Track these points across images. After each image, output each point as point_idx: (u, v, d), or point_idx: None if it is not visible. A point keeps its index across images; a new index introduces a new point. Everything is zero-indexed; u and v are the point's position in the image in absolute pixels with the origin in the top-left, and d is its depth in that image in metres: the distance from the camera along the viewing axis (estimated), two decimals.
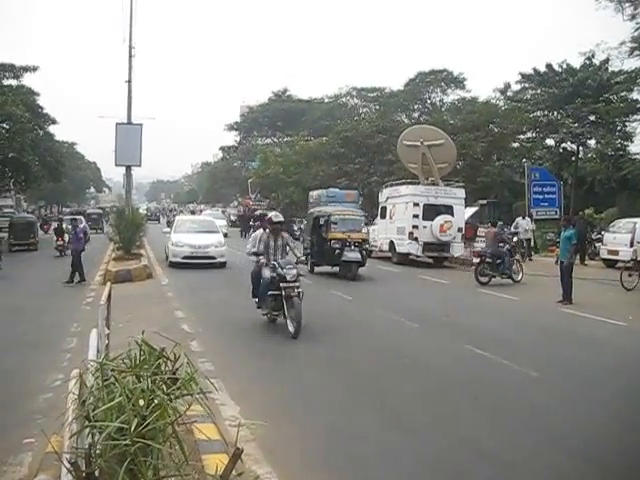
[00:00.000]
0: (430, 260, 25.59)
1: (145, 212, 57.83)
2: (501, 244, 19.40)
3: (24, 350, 9.83)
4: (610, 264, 22.65)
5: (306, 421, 6.81)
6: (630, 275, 17.75)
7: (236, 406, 6.99)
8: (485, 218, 36.14)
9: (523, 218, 27.89)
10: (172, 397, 3.35)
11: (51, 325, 12.02)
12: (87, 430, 3.30)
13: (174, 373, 3.48)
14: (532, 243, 27.90)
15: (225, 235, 35.93)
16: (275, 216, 12.33)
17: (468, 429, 6.57)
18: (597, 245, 25.40)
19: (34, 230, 33.59)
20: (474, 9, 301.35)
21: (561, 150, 39.07)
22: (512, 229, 27.25)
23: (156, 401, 3.25)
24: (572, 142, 37.92)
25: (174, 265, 22.26)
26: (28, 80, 43.03)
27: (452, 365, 9.35)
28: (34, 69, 41.79)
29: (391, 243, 26.08)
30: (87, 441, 3.34)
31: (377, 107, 62.03)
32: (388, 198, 27.19)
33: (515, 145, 42.17)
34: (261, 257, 11.77)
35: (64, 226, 29.37)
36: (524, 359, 9.44)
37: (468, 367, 9.22)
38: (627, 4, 29.69)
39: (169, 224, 47.78)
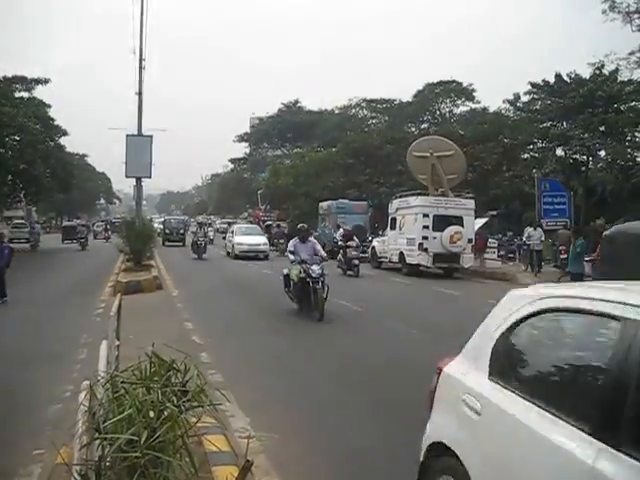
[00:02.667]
0: (440, 271, 25.42)
1: (161, 227, 46.93)
2: None
3: (34, 361, 9.81)
4: None
5: (316, 433, 6.77)
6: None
7: (246, 417, 6.96)
8: (495, 229, 35.92)
9: (535, 229, 27.49)
10: (182, 409, 3.35)
11: (61, 336, 11.98)
12: (97, 442, 3.30)
13: (184, 385, 3.48)
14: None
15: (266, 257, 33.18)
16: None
17: None
18: None
19: (78, 231, 45.33)
20: (483, 20, 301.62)
21: (571, 161, 38.99)
22: (524, 239, 27.12)
23: (166, 413, 3.26)
24: (582, 153, 37.88)
25: None
26: (39, 92, 43.48)
27: None
28: (45, 81, 42.29)
29: (401, 254, 26.01)
30: (97, 453, 3.33)
31: (386, 118, 62.29)
32: (398, 209, 27.16)
33: (525, 156, 42.12)
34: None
35: (108, 227, 54.49)
36: None
37: None
38: (636, 15, 29.84)
39: (197, 247, 32.53)
